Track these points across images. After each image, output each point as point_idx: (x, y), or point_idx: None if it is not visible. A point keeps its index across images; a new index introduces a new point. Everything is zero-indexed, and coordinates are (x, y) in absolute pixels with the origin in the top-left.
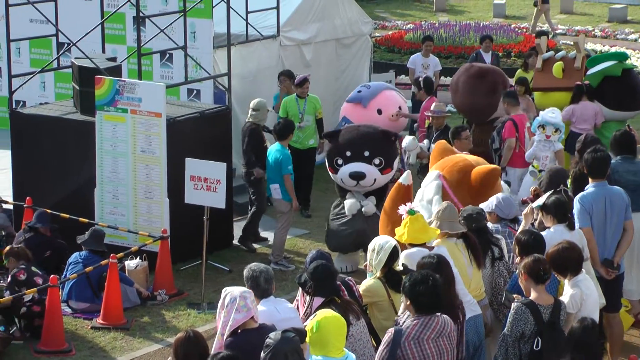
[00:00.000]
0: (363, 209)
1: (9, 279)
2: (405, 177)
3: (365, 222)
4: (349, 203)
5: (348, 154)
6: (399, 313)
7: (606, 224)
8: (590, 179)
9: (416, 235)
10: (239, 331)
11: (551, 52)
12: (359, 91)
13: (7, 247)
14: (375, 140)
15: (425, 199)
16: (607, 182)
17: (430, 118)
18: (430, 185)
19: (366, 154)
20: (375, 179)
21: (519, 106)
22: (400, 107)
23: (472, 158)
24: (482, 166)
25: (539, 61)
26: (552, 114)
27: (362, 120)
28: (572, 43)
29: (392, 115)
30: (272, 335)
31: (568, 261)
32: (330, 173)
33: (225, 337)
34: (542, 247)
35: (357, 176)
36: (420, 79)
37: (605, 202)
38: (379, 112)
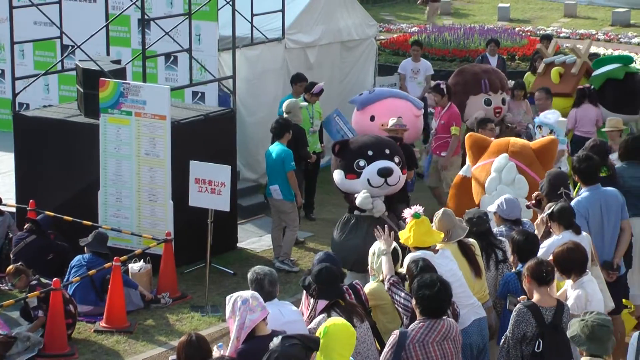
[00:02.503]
0: (373, 210)
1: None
2: (466, 169)
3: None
4: (362, 196)
5: (370, 153)
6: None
7: (603, 226)
8: (582, 185)
9: (422, 238)
10: (252, 337)
11: (553, 57)
12: (361, 94)
13: (11, 267)
14: (388, 141)
15: (503, 182)
16: (600, 184)
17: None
18: (506, 168)
19: (387, 151)
20: (399, 177)
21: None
22: (401, 117)
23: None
24: (542, 139)
25: (541, 65)
26: (550, 115)
27: (354, 123)
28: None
29: (382, 125)
30: (275, 339)
31: (573, 261)
32: (348, 181)
33: (241, 340)
34: (534, 247)
35: (386, 172)
36: (441, 85)
37: (601, 205)
38: (372, 118)
